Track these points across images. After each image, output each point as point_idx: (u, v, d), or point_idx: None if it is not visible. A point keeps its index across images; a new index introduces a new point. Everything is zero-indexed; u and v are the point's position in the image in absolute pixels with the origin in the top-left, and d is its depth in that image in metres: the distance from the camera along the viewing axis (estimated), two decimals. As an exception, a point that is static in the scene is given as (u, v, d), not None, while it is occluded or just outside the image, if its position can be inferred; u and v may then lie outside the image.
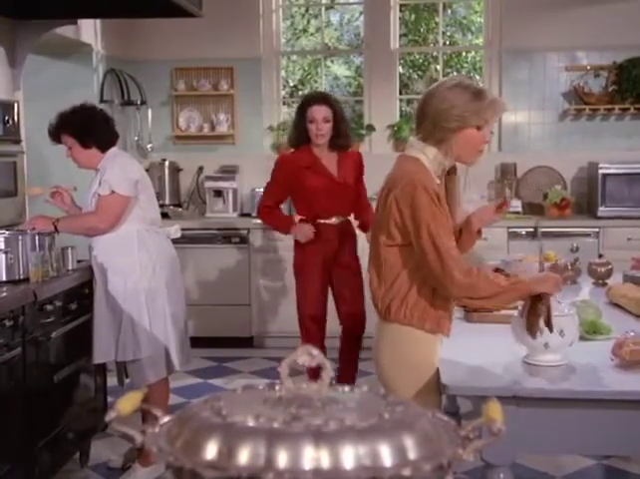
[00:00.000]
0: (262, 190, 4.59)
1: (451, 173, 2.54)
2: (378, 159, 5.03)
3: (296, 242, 4.40)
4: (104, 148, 3.64)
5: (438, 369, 2.42)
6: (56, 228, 3.56)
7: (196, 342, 5.54)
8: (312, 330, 4.35)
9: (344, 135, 4.29)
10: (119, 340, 3.60)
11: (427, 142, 2.45)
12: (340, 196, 4.29)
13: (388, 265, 2.43)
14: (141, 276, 3.59)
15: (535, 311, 2.36)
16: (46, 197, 3.89)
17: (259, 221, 4.70)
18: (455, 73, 7.22)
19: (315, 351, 1.02)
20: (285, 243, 5.51)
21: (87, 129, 3.59)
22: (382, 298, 2.45)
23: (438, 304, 2.42)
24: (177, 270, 3.80)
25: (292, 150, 4.39)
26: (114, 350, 3.62)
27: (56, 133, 3.64)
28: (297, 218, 4.41)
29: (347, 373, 4.35)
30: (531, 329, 2.36)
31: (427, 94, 2.49)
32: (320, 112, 4.19)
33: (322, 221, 4.28)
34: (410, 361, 2.44)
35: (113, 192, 3.52)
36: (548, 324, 2.35)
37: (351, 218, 4.43)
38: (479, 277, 2.34)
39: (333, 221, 4.29)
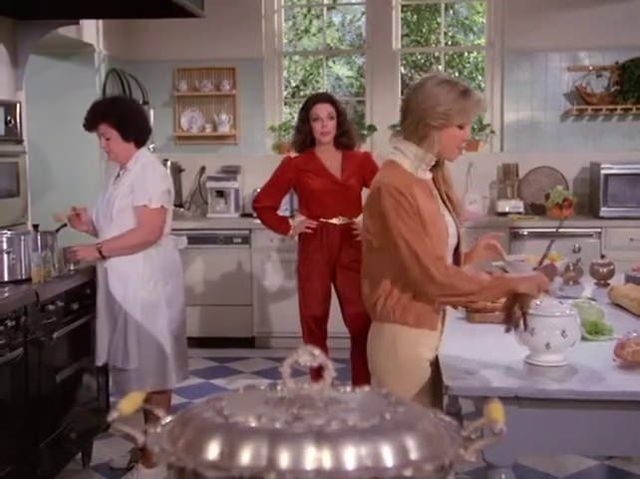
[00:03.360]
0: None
1: (439, 163, 2.53)
2: (379, 159, 4.98)
3: (299, 242, 4.40)
4: (140, 143, 3.58)
5: (428, 365, 2.47)
6: (101, 253, 3.50)
7: (198, 343, 5.58)
8: (314, 330, 4.35)
9: (348, 133, 4.30)
10: (111, 345, 3.58)
11: (408, 139, 2.45)
12: (342, 197, 4.27)
13: (373, 269, 2.49)
14: (141, 288, 3.53)
15: (512, 309, 2.38)
16: (65, 221, 3.72)
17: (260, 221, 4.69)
18: (457, 73, 7.22)
19: (317, 351, 1.02)
20: (287, 244, 5.51)
21: (130, 121, 3.52)
22: (368, 299, 2.52)
23: (419, 299, 2.44)
24: (181, 286, 3.72)
25: (297, 155, 4.39)
26: (106, 353, 3.60)
27: (95, 122, 3.51)
28: (301, 217, 4.40)
29: (360, 375, 4.33)
30: (507, 323, 2.41)
31: (413, 89, 2.46)
32: (324, 109, 4.21)
33: (324, 220, 4.28)
34: (397, 356, 2.47)
35: (154, 205, 3.47)
36: (524, 324, 2.36)
37: (358, 219, 4.40)
38: (458, 275, 2.36)
39: (335, 221, 4.28)
